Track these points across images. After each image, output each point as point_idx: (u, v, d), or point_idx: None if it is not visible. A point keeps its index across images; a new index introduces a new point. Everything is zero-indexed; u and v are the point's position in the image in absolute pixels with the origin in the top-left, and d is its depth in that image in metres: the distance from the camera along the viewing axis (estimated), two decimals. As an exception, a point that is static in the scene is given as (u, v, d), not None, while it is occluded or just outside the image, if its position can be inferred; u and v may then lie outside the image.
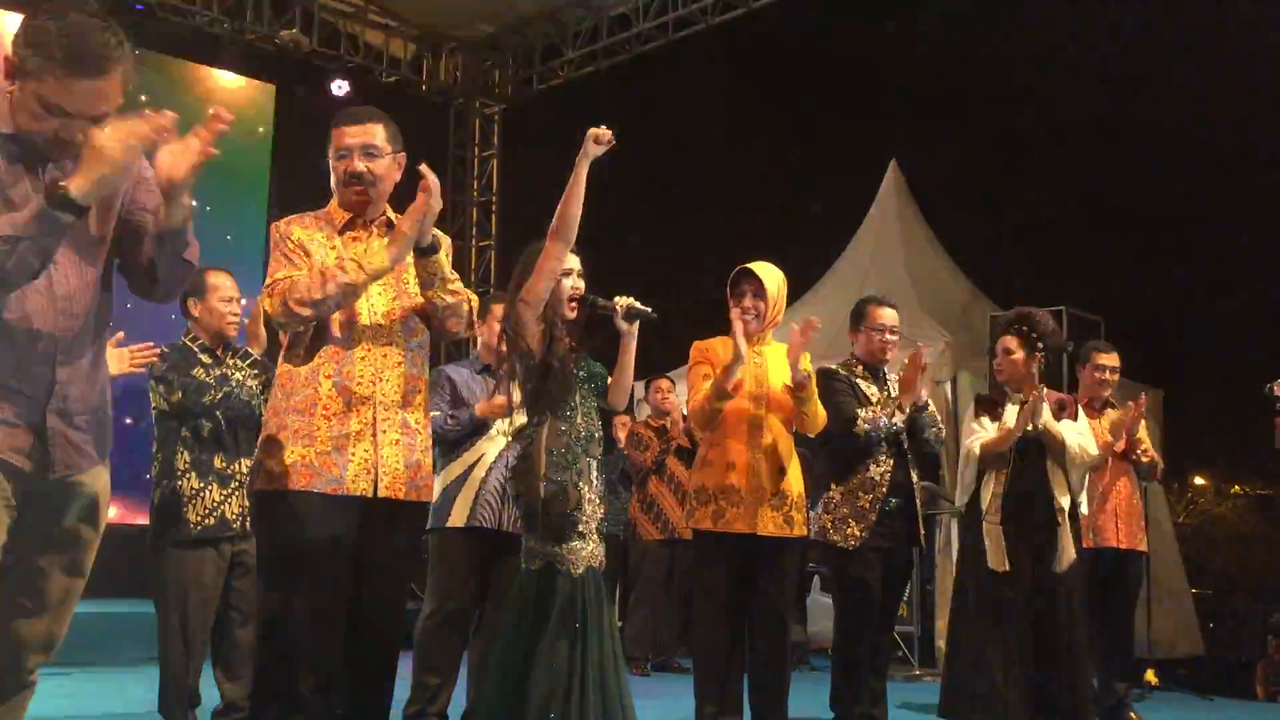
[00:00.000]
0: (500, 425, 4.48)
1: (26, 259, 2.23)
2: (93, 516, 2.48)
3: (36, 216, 2.21)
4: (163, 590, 4.27)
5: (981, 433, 4.73)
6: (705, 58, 13.78)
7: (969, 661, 4.68)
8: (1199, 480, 25.42)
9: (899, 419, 4.60)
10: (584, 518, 3.32)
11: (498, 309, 4.21)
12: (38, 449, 2.36)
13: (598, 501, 3.38)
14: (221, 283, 4.41)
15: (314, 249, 3.14)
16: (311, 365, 3.12)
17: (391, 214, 3.28)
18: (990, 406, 4.79)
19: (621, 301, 3.54)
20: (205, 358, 4.34)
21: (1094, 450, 4.68)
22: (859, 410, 4.62)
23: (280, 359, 3.24)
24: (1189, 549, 14.07)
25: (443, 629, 4.44)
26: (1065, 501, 4.60)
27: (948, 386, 8.54)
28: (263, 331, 4.18)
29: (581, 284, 3.50)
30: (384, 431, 3.13)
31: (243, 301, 4.50)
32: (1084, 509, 4.75)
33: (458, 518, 4.42)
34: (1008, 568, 4.56)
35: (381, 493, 3.10)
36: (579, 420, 3.39)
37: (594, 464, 3.39)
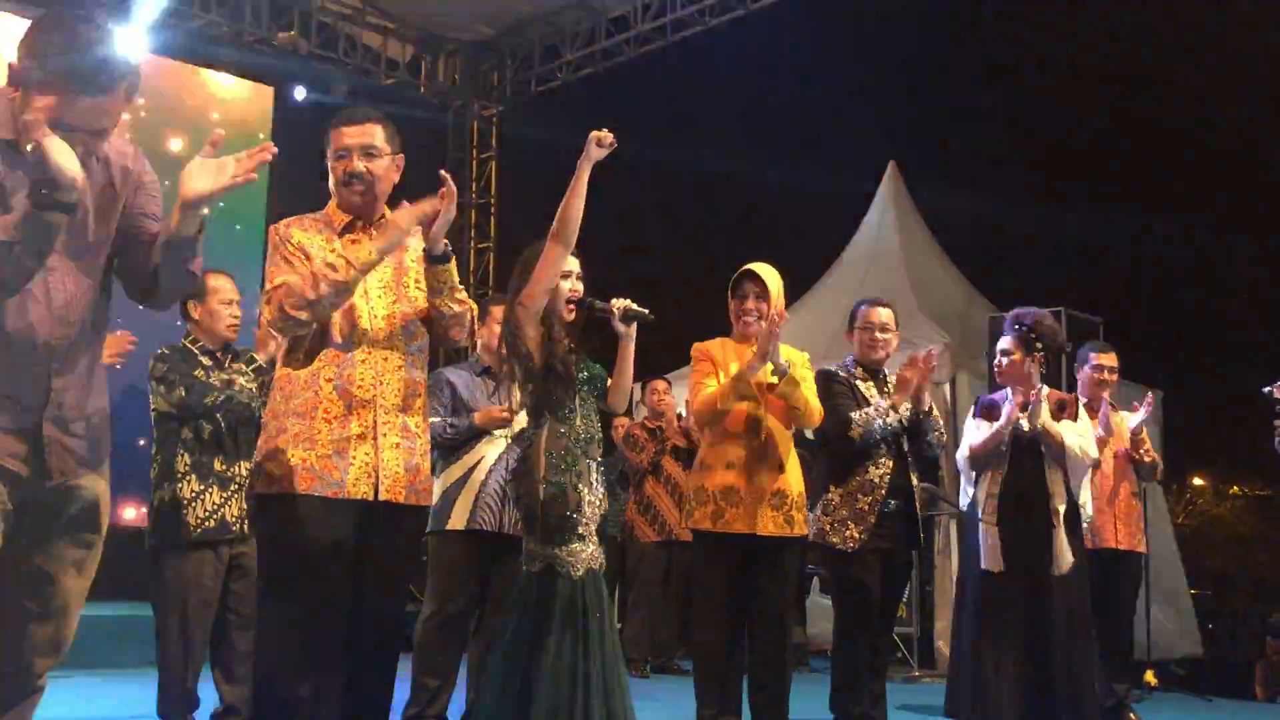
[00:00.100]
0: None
1: (22, 262, 2.23)
2: (93, 520, 2.48)
3: (25, 219, 2.20)
4: (162, 593, 4.27)
5: (977, 435, 4.75)
6: (703, 60, 13.79)
7: (967, 662, 4.70)
8: (1198, 481, 25.43)
9: (893, 419, 4.60)
10: (584, 520, 3.32)
11: (497, 311, 4.21)
12: (34, 456, 2.35)
13: (598, 503, 3.39)
14: (221, 285, 4.41)
15: (314, 252, 3.13)
16: (311, 368, 3.12)
17: (390, 216, 3.27)
18: (988, 408, 4.79)
19: (618, 303, 3.54)
20: (205, 360, 4.33)
21: (1095, 451, 4.66)
22: (853, 413, 4.62)
23: (279, 362, 3.24)
24: (1188, 550, 14.06)
25: (442, 631, 4.44)
26: (1061, 503, 4.58)
27: (947, 388, 8.54)
28: (273, 344, 4.14)
29: (580, 286, 3.51)
30: (385, 435, 3.12)
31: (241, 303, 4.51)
32: (1088, 511, 4.71)
33: (458, 520, 4.42)
34: (1001, 568, 4.57)
35: (382, 496, 3.10)
36: (578, 422, 3.39)
37: (594, 466, 3.40)
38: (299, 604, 3.03)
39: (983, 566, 4.62)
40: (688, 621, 7.58)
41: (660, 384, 7.66)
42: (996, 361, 4.89)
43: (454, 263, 3.27)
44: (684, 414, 7.46)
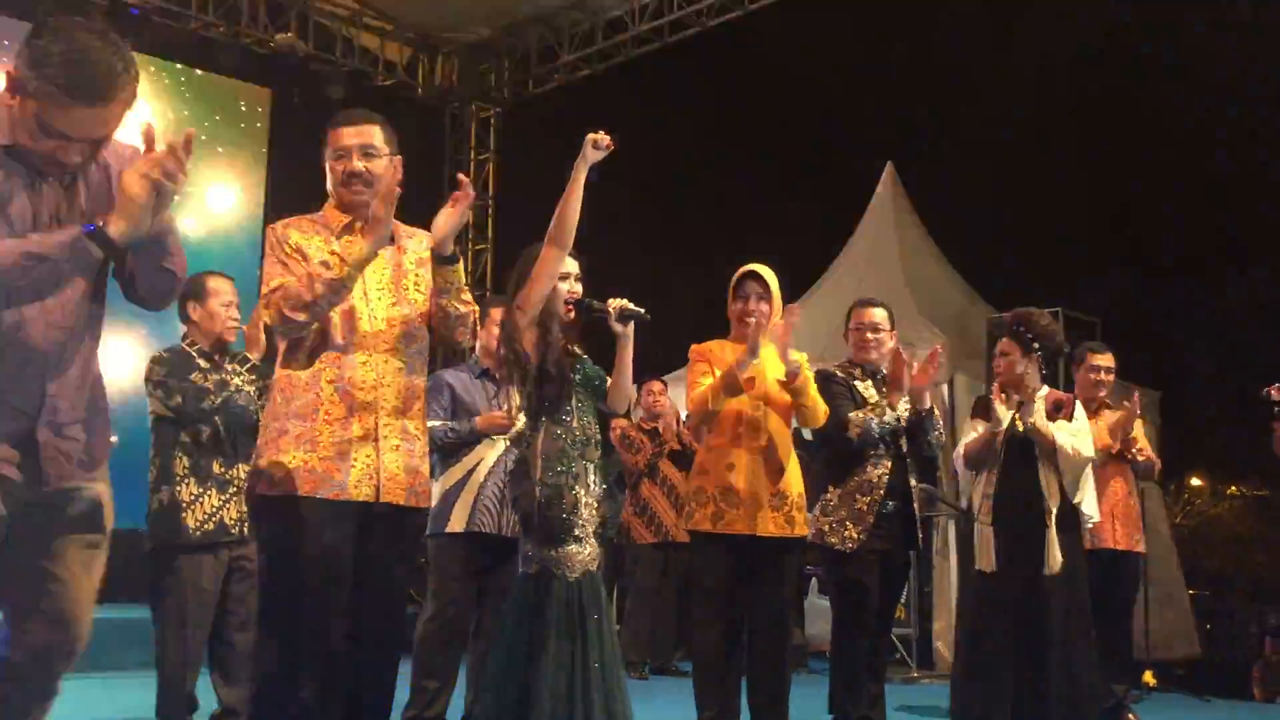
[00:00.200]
0: (499, 429, 4.50)
1: (43, 281, 2.23)
2: (96, 521, 2.48)
3: (70, 244, 2.22)
4: (161, 595, 4.27)
5: (973, 435, 4.75)
6: (701, 61, 13.80)
7: (964, 663, 4.70)
8: (1196, 481, 25.42)
9: (889, 418, 4.60)
10: (580, 521, 3.32)
11: (496, 313, 4.21)
12: (29, 462, 2.35)
13: (595, 505, 3.38)
14: (220, 287, 4.41)
15: (312, 253, 3.13)
16: (312, 370, 3.11)
17: (371, 206, 3.26)
18: (986, 409, 4.79)
19: (614, 303, 3.54)
20: (203, 363, 4.33)
21: (1088, 450, 4.64)
22: (851, 413, 4.62)
23: (279, 364, 3.23)
24: (1186, 550, 14.07)
25: (442, 633, 4.45)
26: (1054, 504, 4.56)
27: (944, 388, 8.55)
28: (263, 337, 4.17)
29: (579, 288, 3.51)
30: (385, 437, 3.12)
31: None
32: (1087, 510, 4.69)
33: (457, 523, 4.42)
34: (994, 568, 4.57)
35: (383, 498, 3.10)
36: (575, 424, 3.39)
37: (591, 467, 3.39)
38: (300, 606, 3.03)
39: (977, 567, 4.63)
40: (686, 623, 7.59)
41: (656, 384, 7.63)
42: (995, 362, 4.89)
43: (462, 264, 3.27)
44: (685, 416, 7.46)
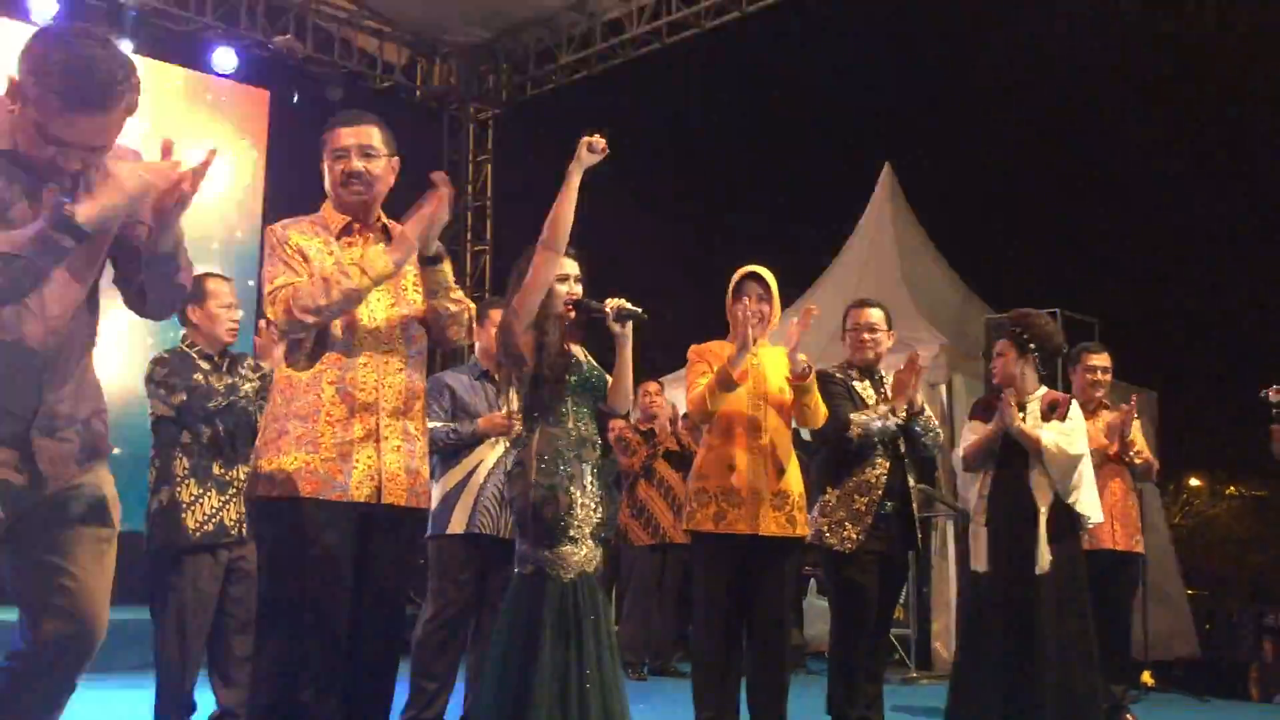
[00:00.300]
0: (498, 431, 4.50)
1: (20, 278, 2.23)
2: (104, 514, 2.49)
3: (37, 237, 2.21)
4: (160, 597, 4.27)
5: (971, 437, 4.76)
6: (699, 62, 13.79)
7: (959, 663, 4.72)
8: (1194, 482, 25.42)
9: (892, 421, 4.61)
10: (575, 522, 3.32)
11: (495, 314, 4.22)
12: (26, 464, 2.36)
13: (593, 506, 3.38)
14: (220, 289, 4.41)
15: (312, 254, 3.13)
16: (313, 371, 3.11)
17: (385, 219, 3.28)
18: (984, 410, 4.80)
19: (611, 303, 3.54)
20: (204, 364, 4.33)
21: (1075, 449, 4.57)
22: (852, 414, 4.62)
23: (279, 364, 3.24)
24: (1184, 550, 14.07)
25: (441, 634, 4.45)
26: (1044, 504, 4.54)
27: (943, 389, 8.55)
28: (278, 351, 4.13)
29: (579, 289, 3.51)
30: (386, 438, 3.12)
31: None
32: (1090, 511, 4.67)
33: (457, 525, 4.43)
34: (987, 568, 4.57)
35: (384, 499, 3.10)
36: (571, 425, 3.40)
37: (588, 468, 3.39)
38: (301, 607, 3.03)
39: (972, 567, 4.64)
40: (684, 623, 7.60)
41: (652, 386, 7.62)
42: (992, 363, 4.90)
43: (447, 263, 3.27)
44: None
